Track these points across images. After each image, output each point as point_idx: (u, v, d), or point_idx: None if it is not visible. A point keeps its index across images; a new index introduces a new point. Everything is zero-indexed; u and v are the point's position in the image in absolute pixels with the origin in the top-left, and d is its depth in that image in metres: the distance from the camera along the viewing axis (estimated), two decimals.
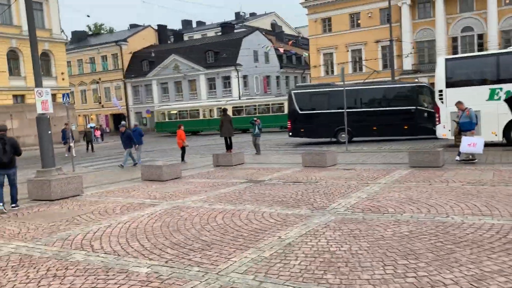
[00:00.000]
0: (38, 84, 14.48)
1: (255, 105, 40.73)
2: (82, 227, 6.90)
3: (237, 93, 51.85)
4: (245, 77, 53.03)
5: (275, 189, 9.37)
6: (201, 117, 43.29)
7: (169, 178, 12.14)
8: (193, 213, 7.41)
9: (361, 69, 44.22)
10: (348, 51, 45.37)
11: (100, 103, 60.37)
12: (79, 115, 53.93)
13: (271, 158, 16.46)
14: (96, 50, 59.13)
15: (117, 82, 59.02)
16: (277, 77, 59.68)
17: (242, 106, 41.33)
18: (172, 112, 45.67)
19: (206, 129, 42.34)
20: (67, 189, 9.76)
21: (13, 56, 36.41)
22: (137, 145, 16.53)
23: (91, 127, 35.47)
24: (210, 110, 42.92)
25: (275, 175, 11.53)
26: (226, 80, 52.84)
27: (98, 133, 39.84)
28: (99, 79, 59.41)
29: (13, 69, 36.53)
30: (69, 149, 19.32)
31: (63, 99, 16.02)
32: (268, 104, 40.11)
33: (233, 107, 40.10)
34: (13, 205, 8.75)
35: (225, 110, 16.52)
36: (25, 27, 36.98)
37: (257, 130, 18.07)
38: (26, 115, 34.60)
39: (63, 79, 40.42)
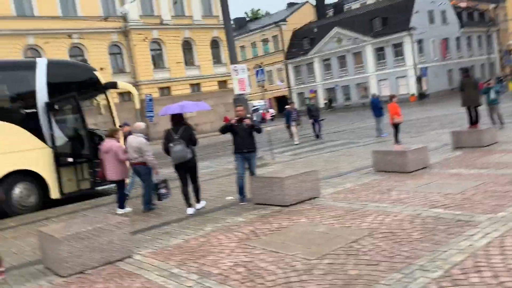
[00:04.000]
0: (233, 60, 12.47)
1: None
2: None
3: (411, 61, 45.68)
4: (419, 41, 46.33)
5: None
6: None
7: (415, 168, 8.73)
8: None
9: None
10: None
11: (263, 86, 60.28)
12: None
13: None
14: (257, 35, 58.91)
15: (278, 65, 57.96)
16: (457, 39, 51.10)
17: None
18: None
19: None
20: (301, 190, 7.10)
21: (186, 46, 37.37)
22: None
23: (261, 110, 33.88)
24: None
25: None
26: (397, 48, 46.95)
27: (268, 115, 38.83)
28: (261, 63, 59.17)
29: (188, 59, 37.52)
30: (291, 133, 18.34)
31: (256, 76, 13.89)
32: None
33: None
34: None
35: (466, 71, 12.39)
36: (195, 16, 37.66)
37: (493, 95, 13.40)
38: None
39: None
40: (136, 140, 7.84)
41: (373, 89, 48.09)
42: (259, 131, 7.67)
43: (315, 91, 54.11)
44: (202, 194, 7.87)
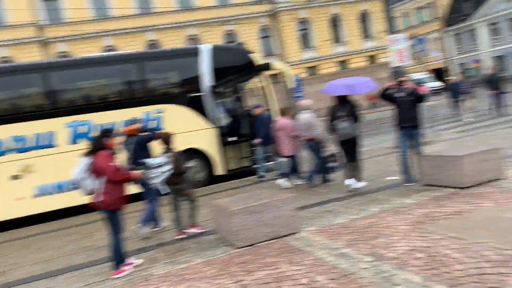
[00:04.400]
0: (391, 30, 11.60)
1: None
2: None
3: None
4: None
5: None
6: None
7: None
8: None
9: None
10: None
11: (419, 59, 55.87)
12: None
13: None
14: (409, 3, 54.58)
15: (435, 34, 52.87)
16: None
17: None
18: None
19: None
20: (481, 171, 6.21)
21: (334, 23, 36.57)
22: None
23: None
24: None
25: None
26: None
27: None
28: (414, 33, 54.74)
29: (335, 36, 36.74)
30: (458, 107, 15.82)
31: (418, 44, 12.70)
32: None
33: None
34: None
35: None
36: None
37: None
38: None
39: (380, 38, 38.15)
40: (304, 117, 8.14)
41: None
42: (421, 99, 6.98)
43: (479, 61, 47.94)
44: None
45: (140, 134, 6.73)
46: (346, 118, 7.02)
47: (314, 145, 8.07)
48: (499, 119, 13.93)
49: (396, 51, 11.17)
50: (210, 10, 33.10)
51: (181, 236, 5.96)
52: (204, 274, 4.44)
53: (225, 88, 10.91)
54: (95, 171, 4.76)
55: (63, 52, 30.29)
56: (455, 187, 6.18)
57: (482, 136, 11.04)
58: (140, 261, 5.17)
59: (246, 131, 10.47)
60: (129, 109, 9.65)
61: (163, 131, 7.39)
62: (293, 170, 8.63)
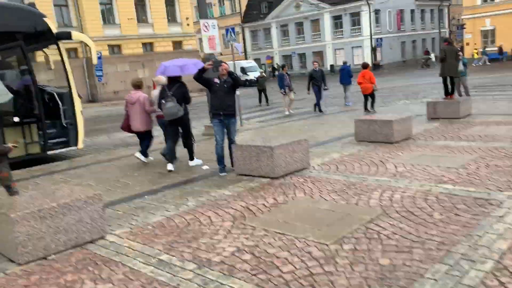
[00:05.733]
0: (203, 15, 11.35)
1: None
2: None
3: (367, 31, 45.70)
4: (376, 12, 46.34)
5: None
6: None
7: (400, 138, 8.34)
8: None
9: None
10: None
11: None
12: None
13: (500, 105, 11.82)
14: None
15: (235, 28, 56.14)
16: (412, 11, 51.65)
17: None
18: None
19: None
20: (291, 161, 6.43)
21: (139, 2, 34.88)
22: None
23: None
24: None
25: None
26: (355, 17, 46.68)
27: None
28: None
29: (141, 16, 35.13)
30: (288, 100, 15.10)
31: (226, 35, 12.84)
32: None
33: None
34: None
35: (446, 40, 11.96)
36: None
37: (461, 67, 13.25)
38: (156, 63, 33.30)
39: (187, 24, 38.28)
40: (156, 92, 7.81)
41: (330, 58, 48.10)
42: (240, 84, 6.92)
43: (272, 58, 53.21)
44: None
45: None
46: (172, 98, 7.06)
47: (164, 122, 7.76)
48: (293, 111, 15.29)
49: (209, 37, 10.97)
50: None
51: None
52: None
53: (6, 56, 8.81)
54: None
55: None
56: (268, 177, 6.24)
57: (281, 127, 11.91)
58: None
59: (35, 111, 8.69)
60: None
61: None
62: (148, 145, 8.17)
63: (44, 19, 9.19)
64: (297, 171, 6.47)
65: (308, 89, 14.98)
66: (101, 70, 30.33)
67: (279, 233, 4.14)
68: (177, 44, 36.96)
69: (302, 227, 4.24)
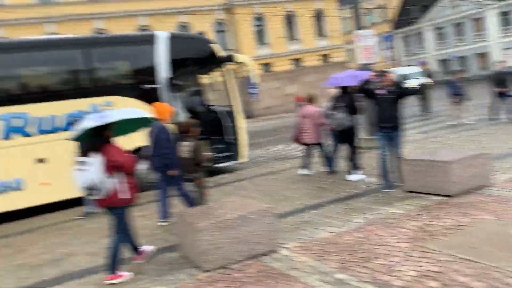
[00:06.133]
0: (359, 26, 11.14)
1: None
2: None
3: None
4: None
5: None
6: None
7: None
8: None
9: None
10: None
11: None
12: None
13: None
14: (361, 4, 55.50)
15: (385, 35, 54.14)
16: None
17: None
18: None
19: None
20: (469, 177, 5.74)
21: (288, 20, 36.24)
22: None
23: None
24: None
25: None
26: None
27: None
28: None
29: (290, 34, 36.42)
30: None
31: (386, 42, 12.34)
32: None
33: None
34: None
35: None
36: None
37: None
38: (304, 78, 34.02)
39: (335, 37, 38.33)
40: (327, 105, 8.01)
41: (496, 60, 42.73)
42: (404, 95, 6.45)
43: (426, 63, 49.67)
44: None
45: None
46: (343, 109, 7.22)
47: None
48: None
49: (364, 47, 10.70)
50: (163, 0, 31.57)
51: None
52: None
53: (183, 81, 9.91)
54: (111, 167, 4.15)
55: (1, 37, 27.62)
56: (441, 195, 5.68)
57: (447, 138, 10.84)
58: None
59: (206, 128, 9.55)
60: (72, 100, 8.46)
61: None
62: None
63: (212, 45, 10.11)
64: (475, 189, 5.75)
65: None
66: (256, 87, 32.20)
67: (468, 259, 3.67)
68: (324, 57, 37.24)
69: (496, 253, 3.69)
